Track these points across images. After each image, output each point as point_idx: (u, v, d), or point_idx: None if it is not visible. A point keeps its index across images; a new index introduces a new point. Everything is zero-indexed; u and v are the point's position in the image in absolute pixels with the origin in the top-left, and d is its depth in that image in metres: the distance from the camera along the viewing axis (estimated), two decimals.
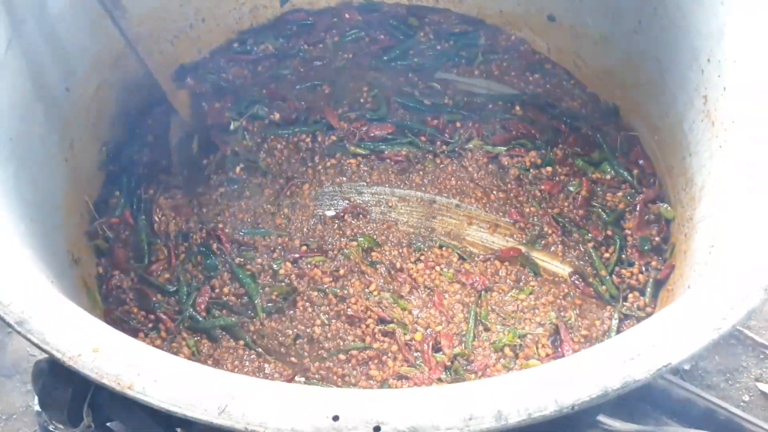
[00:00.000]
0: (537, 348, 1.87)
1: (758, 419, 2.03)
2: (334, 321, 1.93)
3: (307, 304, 1.96)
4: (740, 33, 1.69)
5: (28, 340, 1.08)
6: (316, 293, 1.97)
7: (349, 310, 1.94)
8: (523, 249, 2.08)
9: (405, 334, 1.89)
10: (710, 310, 1.16)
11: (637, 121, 2.21)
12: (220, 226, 2.11)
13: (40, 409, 2.36)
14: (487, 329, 1.92)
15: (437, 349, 1.87)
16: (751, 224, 1.37)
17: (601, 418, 1.99)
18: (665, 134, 2.05)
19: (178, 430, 1.27)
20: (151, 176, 2.19)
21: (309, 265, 2.03)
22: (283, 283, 1.98)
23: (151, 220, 2.10)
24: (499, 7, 2.47)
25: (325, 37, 2.52)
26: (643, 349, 1.10)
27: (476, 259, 2.08)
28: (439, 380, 1.81)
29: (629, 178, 2.17)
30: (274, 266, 2.01)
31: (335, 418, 1.02)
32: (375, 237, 2.11)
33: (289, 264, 2.03)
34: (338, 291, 1.97)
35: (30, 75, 1.70)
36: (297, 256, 2.05)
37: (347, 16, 2.55)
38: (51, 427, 2.28)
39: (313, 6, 2.56)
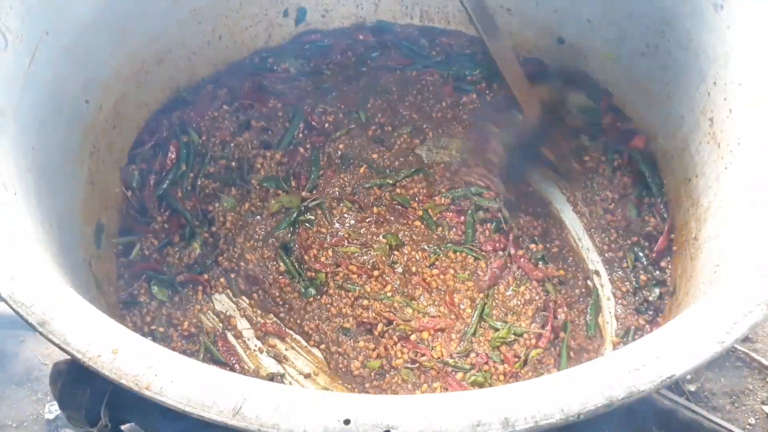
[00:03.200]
0: (526, 347, 1.97)
1: None
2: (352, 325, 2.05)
3: (333, 297, 2.09)
4: (746, 57, 1.72)
5: (50, 340, 1.11)
6: (343, 292, 2.08)
7: (363, 314, 2.04)
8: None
9: (409, 333, 1.99)
10: (714, 324, 1.17)
11: (646, 143, 2.24)
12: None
13: (50, 417, 2.39)
14: (490, 325, 2.02)
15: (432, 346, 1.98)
16: (755, 243, 1.40)
17: None
18: (673, 156, 2.08)
19: None
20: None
21: (345, 256, 2.14)
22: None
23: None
24: (509, 29, 2.51)
25: (342, 59, 2.57)
26: (648, 360, 1.12)
27: (490, 257, 2.15)
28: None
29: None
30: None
31: (346, 422, 1.04)
32: (400, 235, 2.19)
33: (330, 252, 2.15)
34: (359, 289, 2.07)
35: (52, 86, 1.73)
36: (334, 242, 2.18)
37: (361, 37, 2.59)
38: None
39: (327, 26, 2.60)
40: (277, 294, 2.08)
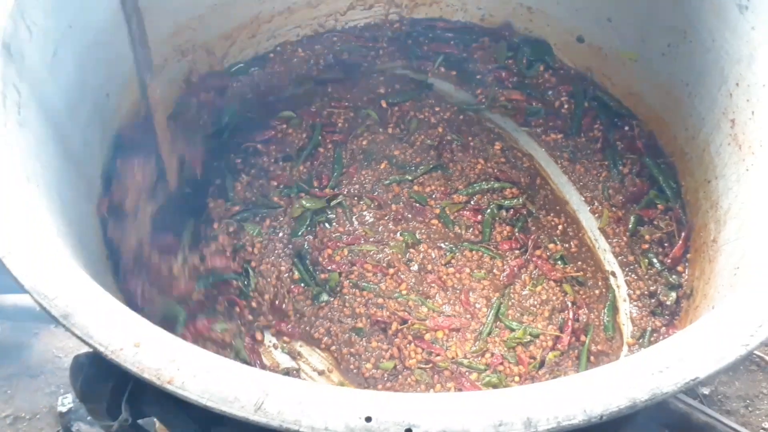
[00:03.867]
0: (542, 349, 1.96)
1: None
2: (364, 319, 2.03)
3: (346, 296, 2.07)
4: None
5: (73, 333, 1.11)
6: (357, 291, 2.06)
7: (377, 313, 2.01)
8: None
9: (423, 332, 1.98)
10: (738, 327, 1.17)
11: (665, 144, 2.24)
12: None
13: (63, 410, 2.40)
14: (505, 326, 2.01)
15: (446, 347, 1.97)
16: None
17: None
18: (692, 157, 2.07)
19: None
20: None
21: (360, 254, 2.11)
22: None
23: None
24: (527, 26, 2.51)
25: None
26: (671, 362, 1.11)
27: (507, 256, 2.14)
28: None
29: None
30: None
31: (368, 419, 1.03)
32: (417, 234, 2.18)
33: (345, 251, 2.13)
34: (374, 287, 2.06)
35: (74, 79, 1.74)
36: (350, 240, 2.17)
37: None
38: (74, 429, 2.31)
39: (345, 25, 2.61)
40: (291, 307, 2.06)
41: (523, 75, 2.50)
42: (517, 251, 2.15)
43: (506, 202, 2.24)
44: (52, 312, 1.14)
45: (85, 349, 1.18)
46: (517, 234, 2.18)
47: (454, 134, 2.39)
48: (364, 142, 2.37)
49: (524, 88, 2.48)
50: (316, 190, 2.26)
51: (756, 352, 2.49)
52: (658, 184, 2.20)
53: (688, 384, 1.09)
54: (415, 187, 2.28)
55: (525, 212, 2.23)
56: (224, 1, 2.30)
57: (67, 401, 2.43)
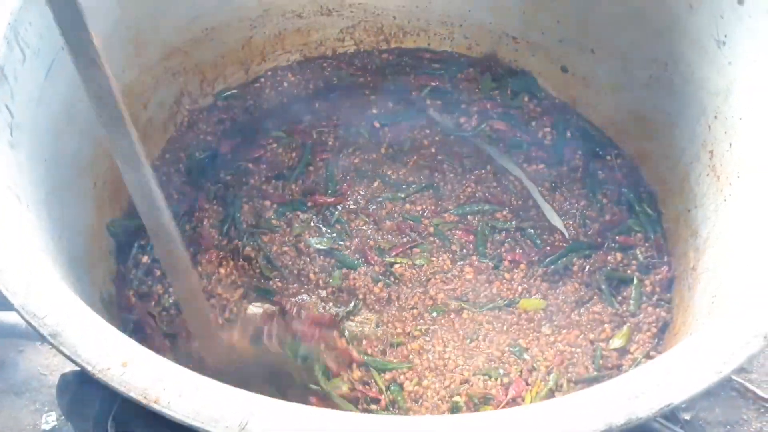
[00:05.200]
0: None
1: None
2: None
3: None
4: (747, 92, 1.75)
5: (61, 352, 1.13)
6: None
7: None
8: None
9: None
10: (712, 354, 1.19)
11: (646, 173, 2.28)
12: None
13: (47, 428, 2.39)
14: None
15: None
16: (753, 275, 1.42)
17: None
18: (672, 186, 2.11)
19: None
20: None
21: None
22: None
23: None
24: (512, 57, 2.55)
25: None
26: (647, 388, 1.13)
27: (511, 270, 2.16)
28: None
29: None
30: None
31: None
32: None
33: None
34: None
35: (66, 99, 1.75)
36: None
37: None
38: None
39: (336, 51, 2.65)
40: None
41: (508, 105, 2.52)
42: (522, 264, 2.16)
43: (499, 223, 2.26)
44: (42, 331, 1.15)
45: (71, 367, 1.19)
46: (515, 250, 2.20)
47: (446, 155, 2.41)
48: (356, 161, 2.39)
49: (509, 119, 2.49)
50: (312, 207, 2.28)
51: (736, 378, 2.51)
52: (637, 213, 2.22)
53: (662, 409, 1.12)
54: (407, 206, 2.29)
55: (519, 236, 2.23)
56: (217, 25, 2.34)
57: (51, 419, 2.42)
